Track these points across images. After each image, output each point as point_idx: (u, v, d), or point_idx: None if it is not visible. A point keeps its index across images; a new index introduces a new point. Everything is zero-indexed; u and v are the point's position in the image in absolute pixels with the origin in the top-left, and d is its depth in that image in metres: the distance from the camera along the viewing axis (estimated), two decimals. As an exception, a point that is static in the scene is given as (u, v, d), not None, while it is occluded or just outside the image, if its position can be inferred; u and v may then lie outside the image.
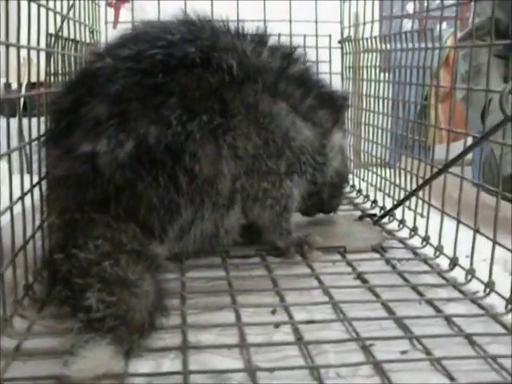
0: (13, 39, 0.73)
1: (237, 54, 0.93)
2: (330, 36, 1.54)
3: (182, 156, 0.85)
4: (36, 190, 0.87)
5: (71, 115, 0.86)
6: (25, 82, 0.83)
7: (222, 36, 0.95)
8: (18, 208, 0.77)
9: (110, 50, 0.92)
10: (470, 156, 0.93)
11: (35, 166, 0.88)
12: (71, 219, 0.82)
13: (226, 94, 0.90)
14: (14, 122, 0.75)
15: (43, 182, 0.89)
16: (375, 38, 1.41)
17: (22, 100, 0.83)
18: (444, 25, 2.94)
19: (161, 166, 0.84)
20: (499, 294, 0.80)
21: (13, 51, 0.73)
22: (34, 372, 0.63)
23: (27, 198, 0.82)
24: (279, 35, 1.13)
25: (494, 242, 0.82)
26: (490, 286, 0.83)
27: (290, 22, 1.47)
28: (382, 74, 1.41)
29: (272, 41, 1.03)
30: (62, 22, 1.00)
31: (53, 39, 0.97)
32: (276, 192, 0.96)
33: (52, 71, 0.98)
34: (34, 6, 0.82)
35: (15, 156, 0.77)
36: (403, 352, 0.68)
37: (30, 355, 0.67)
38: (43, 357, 0.67)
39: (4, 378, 0.61)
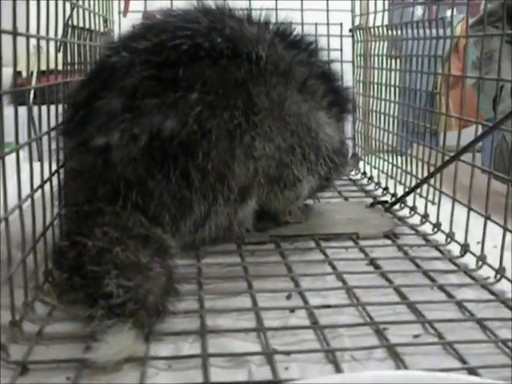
0: (26, 30, 0.74)
1: (266, 44, 0.92)
2: (341, 24, 1.55)
3: (195, 153, 0.85)
4: (54, 179, 0.88)
5: (86, 109, 0.87)
6: (35, 70, 0.84)
7: (247, 25, 0.94)
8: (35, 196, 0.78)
9: (128, 42, 0.92)
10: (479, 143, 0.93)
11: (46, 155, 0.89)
12: (79, 210, 0.83)
13: (252, 89, 0.89)
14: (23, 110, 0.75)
15: (61, 171, 0.90)
16: (385, 26, 1.42)
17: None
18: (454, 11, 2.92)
19: (173, 162, 0.84)
20: (509, 280, 0.82)
21: (23, 41, 0.73)
22: (56, 355, 0.65)
23: (45, 186, 0.83)
24: (291, 24, 1.13)
25: (505, 229, 0.83)
26: (500, 272, 0.84)
27: (302, 10, 1.47)
28: (392, 62, 1.42)
29: (296, 31, 1.03)
30: (72, 11, 1.00)
31: (69, 29, 0.98)
32: (292, 194, 0.98)
33: (68, 61, 1.00)
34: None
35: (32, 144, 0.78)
36: (416, 336, 0.70)
37: (52, 339, 0.69)
38: (65, 341, 0.68)
39: (28, 361, 0.63)
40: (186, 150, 0.84)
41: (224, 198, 0.89)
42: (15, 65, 0.66)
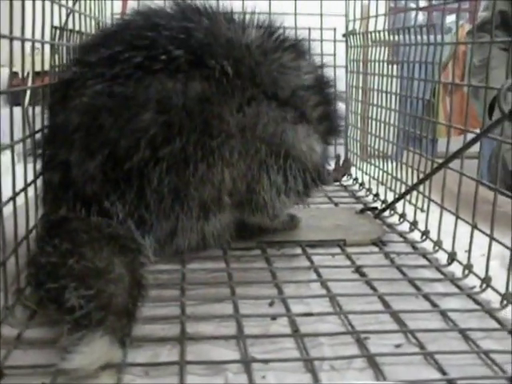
0: (17, 32, 0.74)
1: (240, 52, 0.87)
2: (334, 29, 1.54)
3: (150, 178, 0.82)
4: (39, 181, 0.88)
5: (51, 122, 0.87)
6: (31, 72, 0.83)
7: (224, 29, 0.89)
8: (19, 199, 0.78)
9: (81, 55, 0.90)
10: (475, 149, 0.92)
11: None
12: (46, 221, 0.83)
13: (212, 108, 0.83)
14: (17, 111, 0.75)
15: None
16: (379, 32, 1.41)
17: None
18: (453, 17, 2.92)
19: (128, 184, 0.82)
20: (495, 290, 0.81)
21: (17, 44, 0.73)
22: (34, 360, 0.64)
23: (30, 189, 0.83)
24: (284, 28, 1.12)
25: (491, 238, 0.82)
26: (486, 281, 0.83)
27: (295, 14, 1.46)
28: (385, 68, 1.41)
29: (280, 33, 0.96)
30: (68, 16, 1.00)
31: (57, 32, 0.97)
32: (268, 215, 0.96)
33: (57, 63, 0.99)
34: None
35: (18, 146, 0.78)
36: (397, 346, 0.69)
37: (30, 344, 0.68)
38: (44, 346, 0.67)
39: (5, 366, 0.63)
40: (140, 174, 0.82)
41: (186, 216, 0.86)
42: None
